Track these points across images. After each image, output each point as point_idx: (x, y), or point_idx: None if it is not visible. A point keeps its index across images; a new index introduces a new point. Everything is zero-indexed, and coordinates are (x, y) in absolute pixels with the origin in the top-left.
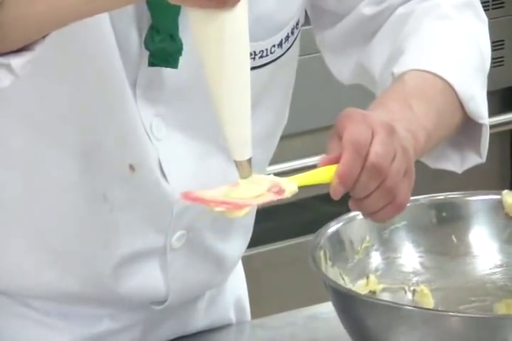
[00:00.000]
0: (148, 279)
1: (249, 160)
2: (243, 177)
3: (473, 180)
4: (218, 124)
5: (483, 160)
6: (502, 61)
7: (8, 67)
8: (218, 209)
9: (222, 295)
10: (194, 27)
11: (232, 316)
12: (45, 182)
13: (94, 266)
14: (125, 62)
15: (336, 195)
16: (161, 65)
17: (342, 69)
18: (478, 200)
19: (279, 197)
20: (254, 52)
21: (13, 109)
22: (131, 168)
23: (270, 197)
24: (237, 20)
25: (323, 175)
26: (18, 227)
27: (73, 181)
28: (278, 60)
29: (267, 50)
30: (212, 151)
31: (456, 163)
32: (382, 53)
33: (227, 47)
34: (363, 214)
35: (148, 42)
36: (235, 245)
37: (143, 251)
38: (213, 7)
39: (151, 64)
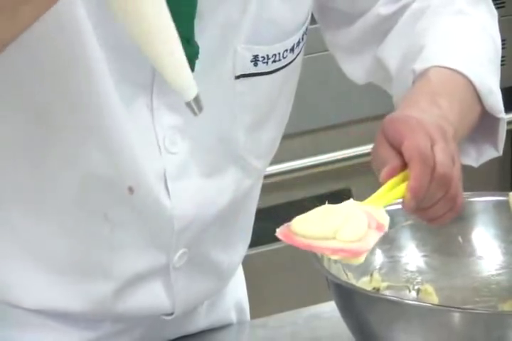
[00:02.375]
0: (153, 297)
1: (198, 97)
2: (195, 114)
3: (473, 181)
4: (160, 73)
5: (500, 153)
6: (503, 60)
7: None
8: (335, 257)
9: (223, 298)
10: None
11: (232, 317)
12: (45, 202)
13: (97, 286)
14: (139, 68)
15: (410, 209)
16: None
17: (357, 68)
18: (484, 201)
19: (381, 234)
20: (268, 55)
21: None
22: (130, 189)
23: (377, 236)
24: None
25: (395, 191)
26: (21, 247)
27: (73, 200)
28: (289, 66)
29: (279, 54)
30: (224, 166)
31: (472, 157)
32: (399, 49)
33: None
34: (423, 220)
35: None
36: (237, 252)
37: (145, 271)
38: None
39: None
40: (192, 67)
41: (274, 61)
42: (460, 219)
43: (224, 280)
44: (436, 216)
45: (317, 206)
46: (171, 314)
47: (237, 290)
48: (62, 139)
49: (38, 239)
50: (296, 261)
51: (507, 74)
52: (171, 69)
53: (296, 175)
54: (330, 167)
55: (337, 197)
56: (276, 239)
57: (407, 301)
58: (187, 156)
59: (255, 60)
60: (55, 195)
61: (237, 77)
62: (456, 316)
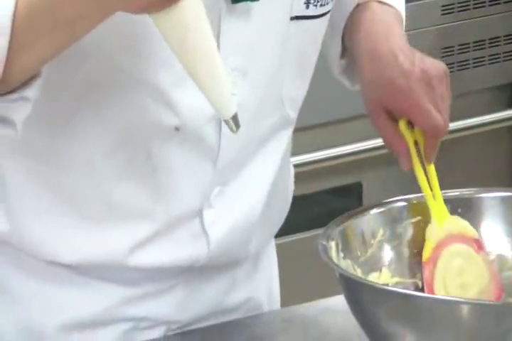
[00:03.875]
0: (189, 239)
1: (236, 116)
2: (233, 131)
3: (482, 177)
4: (202, 92)
5: None
6: (498, 58)
7: (24, 98)
8: None
9: (258, 273)
10: (158, 27)
11: (264, 300)
12: (87, 142)
13: (137, 230)
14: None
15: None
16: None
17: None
18: (493, 197)
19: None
20: None
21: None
22: (177, 128)
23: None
24: (190, 7)
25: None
26: (58, 198)
27: (118, 141)
28: (328, 14)
29: None
30: (269, 112)
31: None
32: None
33: (191, 33)
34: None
35: None
36: (276, 211)
37: (184, 212)
38: (161, 7)
39: (235, 0)
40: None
41: (322, 5)
42: (469, 214)
43: (265, 233)
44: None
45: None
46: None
47: (269, 272)
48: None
49: (75, 186)
50: (307, 255)
51: (503, 71)
52: (214, 91)
53: (306, 168)
54: (341, 161)
55: (348, 191)
56: (286, 233)
57: (416, 294)
58: (244, 99)
59: (308, 2)
60: (98, 138)
61: (292, 19)
62: (465, 308)
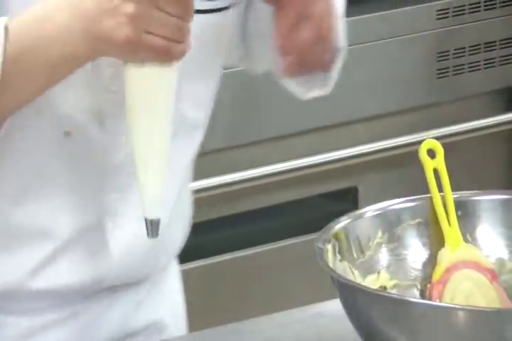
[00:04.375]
0: (91, 255)
1: (157, 222)
2: (148, 235)
3: (480, 180)
4: (138, 182)
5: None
6: (494, 62)
7: None
8: None
9: (161, 295)
10: (131, 82)
11: (169, 323)
12: None
13: (34, 250)
14: None
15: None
16: None
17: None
18: (491, 200)
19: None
20: None
21: None
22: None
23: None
24: (171, 78)
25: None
26: None
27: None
28: (219, 14)
29: None
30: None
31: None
32: None
33: (157, 103)
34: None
35: None
36: (176, 230)
37: (83, 226)
38: (161, 60)
39: None
40: None
41: None
42: (469, 217)
43: (163, 256)
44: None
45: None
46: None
47: (177, 302)
48: None
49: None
50: (302, 259)
51: (499, 75)
52: (149, 186)
53: (303, 173)
54: (336, 165)
55: (344, 195)
56: (282, 237)
57: (411, 299)
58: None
59: None
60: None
61: None
62: (460, 314)
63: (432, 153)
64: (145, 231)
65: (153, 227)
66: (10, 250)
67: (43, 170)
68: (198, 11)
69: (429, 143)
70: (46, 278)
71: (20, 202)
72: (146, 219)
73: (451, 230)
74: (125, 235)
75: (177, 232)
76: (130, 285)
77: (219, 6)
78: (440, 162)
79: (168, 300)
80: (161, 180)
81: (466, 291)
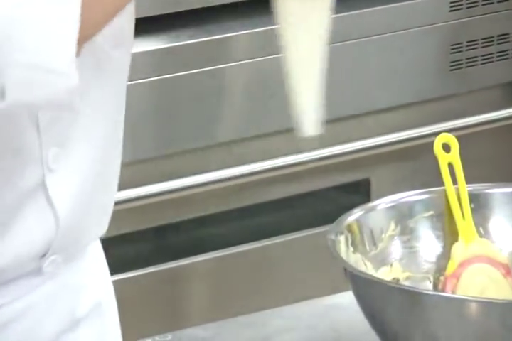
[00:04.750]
0: (36, 218)
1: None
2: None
3: (490, 172)
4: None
5: None
6: (507, 54)
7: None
8: None
9: (92, 275)
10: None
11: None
12: None
13: None
14: None
15: None
16: None
17: None
18: (504, 193)
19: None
20: None
21: None
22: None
23: None
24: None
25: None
26: None
27: None
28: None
29: None
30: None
31: None
32: None
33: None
34: None
35: None
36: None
37: (23, 186)
38: None
39: None
40: None
41: None
42: (482, 210)
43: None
44: None
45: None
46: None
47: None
48: None
49: None
50: (315, 251)
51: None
52: (305, 100)
53: (314, 165)
54: (349, 157)
55: (356, 187)
56: (295, 229)
57: (424, 291)
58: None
59: None
60: None
61: None
62: (473, 305)
63: (446, 147)
64: (91, 187)
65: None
66: None
67: None
68: None
69: (444, 138)
70: None
71: None
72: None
73: (465, 224)
74: (68, 191)
75: (107, 203)
76: (68, 269)
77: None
78: (455, 156)
79: (100, 281)
80: (320, 100)
81: (480, 285)
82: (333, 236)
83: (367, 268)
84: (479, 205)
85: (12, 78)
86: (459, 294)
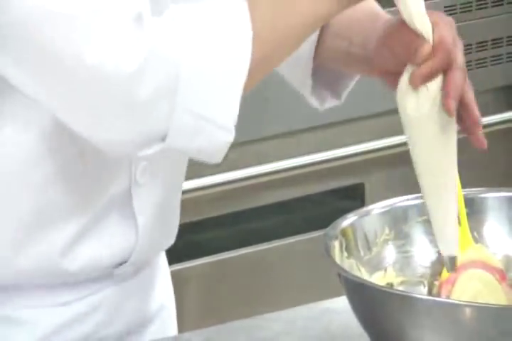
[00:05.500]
0: (118, 227)
1: (455, 259)
2: (448, 270)
3: (488, 177)
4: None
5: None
6: (501, 59)
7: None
8: None
9: (160, 278)
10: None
11: (173, 310)
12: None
13: (66, 227)
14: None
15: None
16: None
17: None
18: (499, 197)
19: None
20: None
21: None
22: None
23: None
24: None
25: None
26: None
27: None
28: None
29: None
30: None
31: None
32: None
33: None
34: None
35: None
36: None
37: (108, 199)
38: None
39: None
40: None
41: None
42: (476, 214)
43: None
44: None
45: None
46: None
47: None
48: None
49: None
50: (309, 256)
51: (506, 72)
52: (442, 221)
53: (309, 169)
54: (343, 162)
55: (350, 192)
56: (289, 234)
57: (417, 296)
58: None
59: None
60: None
61: None
62: (467, 310)
63: None
64: (168, 200)
65: (451, 263)
66: (39, 231)
67: (83, 152)
68: None
69: None
70: (77, 256)
71: (51, 185)
72: (444, 257)
73: (461, 230)
74: (151, 203)
75: (177, 216)
76: (139, 272)
77: None
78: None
79: (165, 285)
80: (456, 223)
81: (475, 291)
82: (327, 241)
83: (361, 273)
84: (473, 210)
85: (177, 124)
86: (454, 299)
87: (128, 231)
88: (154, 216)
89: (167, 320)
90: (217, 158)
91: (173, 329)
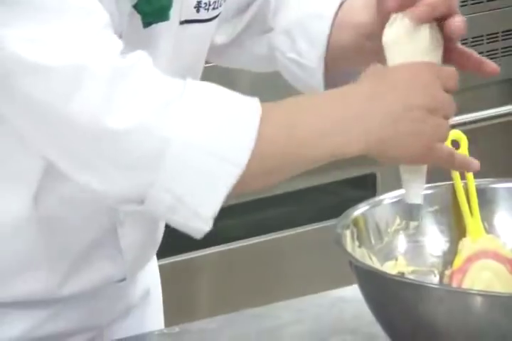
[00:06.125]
0: (106, 262)
1: (419, 206)
2: (413, 220)
3: (497, 168)
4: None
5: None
6: (496, 53)
7: None
8: None
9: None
10: None
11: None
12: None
13: (58, 264)
14: None
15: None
16: (155, 21)
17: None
18: (508, 188)
19: None
20: (209, 2)
21: None
22: None
23: None
24: None
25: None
26: None
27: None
28: (218, 17)
29: (217, 1)
30: None
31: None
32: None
33: None
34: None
35: (142, 5)
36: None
37: (96, 239)
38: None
39: (146, 24)
40: (168, 16)
41: (214, 8)
42: (486, 204)
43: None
44: None
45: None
46: (123, 280)
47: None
48: None
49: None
50: (321, 245)
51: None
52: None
53: None
54: None
55: (362, 182)
56: (301, 223)
57: (429, 285)
58: None
59: (198, 6)
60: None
61: (182, 23)
62: (478, 299)
63: (455, 143)
64: (152, 235)
65: (415, 212)
66: (35, 269)
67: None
68: (197, 21)
69: (454, 134)
70: (72, 285)
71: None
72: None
73: (472, 220)
74: (135, 241)
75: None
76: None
77: (216, 14)
78: (464, 153)
79: (150, 273)
80: (423, 178)
81: (486, 281)
82: (339, 231)
83: (372, 262)
84: (484, 200)
85: (153, 197)
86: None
87: (115, 263)
88: (141, 248)
89: (151, 304)
90: (196, 235)
91: (158, 313)
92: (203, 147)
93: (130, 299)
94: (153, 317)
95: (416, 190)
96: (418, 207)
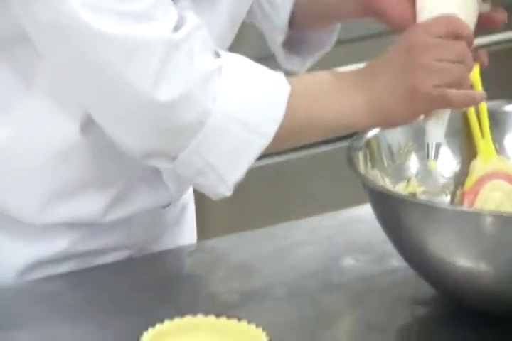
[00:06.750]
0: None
1: (438, 147)
2: (430, 158)
3: (499, 91)
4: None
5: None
6: None
7: None
8: None
9: (185, 220)
10: None
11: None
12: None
13: (107, 191)
14: None
15: None
16: None
17: None
18: None
19: None
20: None
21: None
22: None
23: None
24: None
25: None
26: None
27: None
28: None
29: None
30: None
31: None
32: None
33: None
34: None
35: None
36: None
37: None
38: None
39: None
40: None
41: None
42: (496, 126)
43: None
44: None
45: None
46: (167, 206)
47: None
48: None
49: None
50: (334, 166)
51: None
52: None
53: None
54: None
55: None
56: (314, 144)
57: (440, 205)
58: None
59: None
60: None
61: None
62: (489, 219)
63: None
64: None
65: (435, 151)
66: (86, 189)
67: None
68: None
69: None
70: (118, 212)
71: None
72: (428, 144)
73: (483, 142)
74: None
75: None
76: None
77: None
78: (475, 76)
79: (189, 225)
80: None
81: (497, 201)
82: (352, 152)
83: (385, 183)
84: (495, 122)
85: (184, 159)
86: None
87: (160, 192)
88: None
89: (187, 217)
90: (216, 198)
91: (192, 225)
92: (238, 119)
93: (169, 218)
94: (187, 232)
95: (437, 129)
96: (438, 145)
